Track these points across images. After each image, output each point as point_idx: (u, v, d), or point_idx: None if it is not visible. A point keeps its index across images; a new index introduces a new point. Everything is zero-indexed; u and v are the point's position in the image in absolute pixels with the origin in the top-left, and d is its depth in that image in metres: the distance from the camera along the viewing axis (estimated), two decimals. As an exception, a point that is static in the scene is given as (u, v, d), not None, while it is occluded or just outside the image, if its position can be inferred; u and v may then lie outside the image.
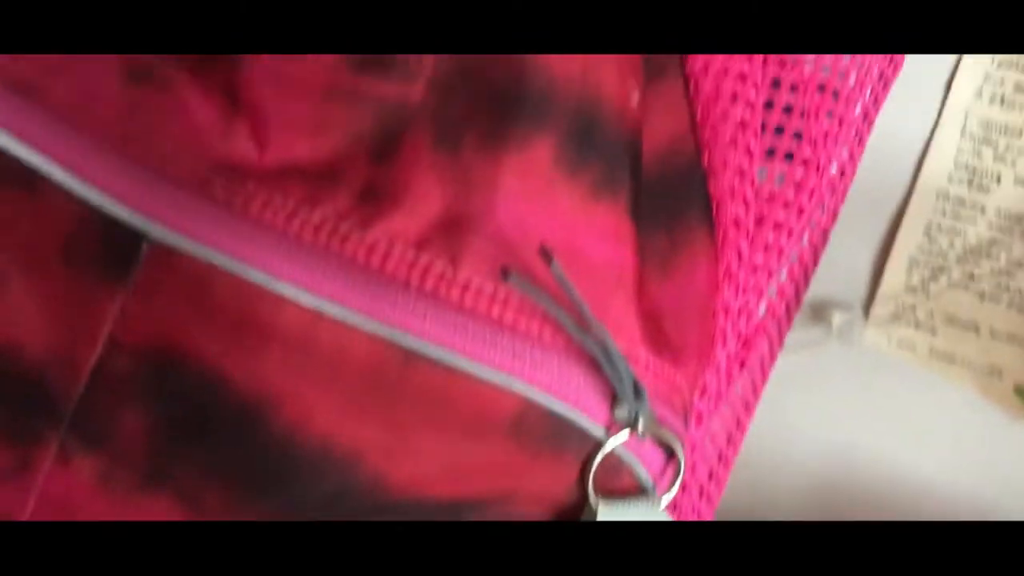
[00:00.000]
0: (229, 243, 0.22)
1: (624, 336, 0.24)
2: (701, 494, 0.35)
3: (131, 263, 0.23)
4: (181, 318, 0.23)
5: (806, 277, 0.35)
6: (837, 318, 0.44)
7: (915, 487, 0.46)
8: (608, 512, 0.24)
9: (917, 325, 0.42)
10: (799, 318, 0.45)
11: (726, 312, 0.27)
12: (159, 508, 0.24)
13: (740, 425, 0.36)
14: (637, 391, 0.23)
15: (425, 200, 0.23)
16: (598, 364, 0.23)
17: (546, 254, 0.21)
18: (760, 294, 0.29)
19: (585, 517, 0.24)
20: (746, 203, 0.27)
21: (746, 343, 0.29)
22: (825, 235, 0.34)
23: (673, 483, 0.25)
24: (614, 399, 0.24)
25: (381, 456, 0.23)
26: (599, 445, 0.23)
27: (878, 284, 0.43)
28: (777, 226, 0.29)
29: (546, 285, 0.23)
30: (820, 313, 0.45)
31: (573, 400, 0.23)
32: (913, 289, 0.42)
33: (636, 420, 0.23)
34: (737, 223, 0.27)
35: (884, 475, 0.46)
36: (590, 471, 0.23)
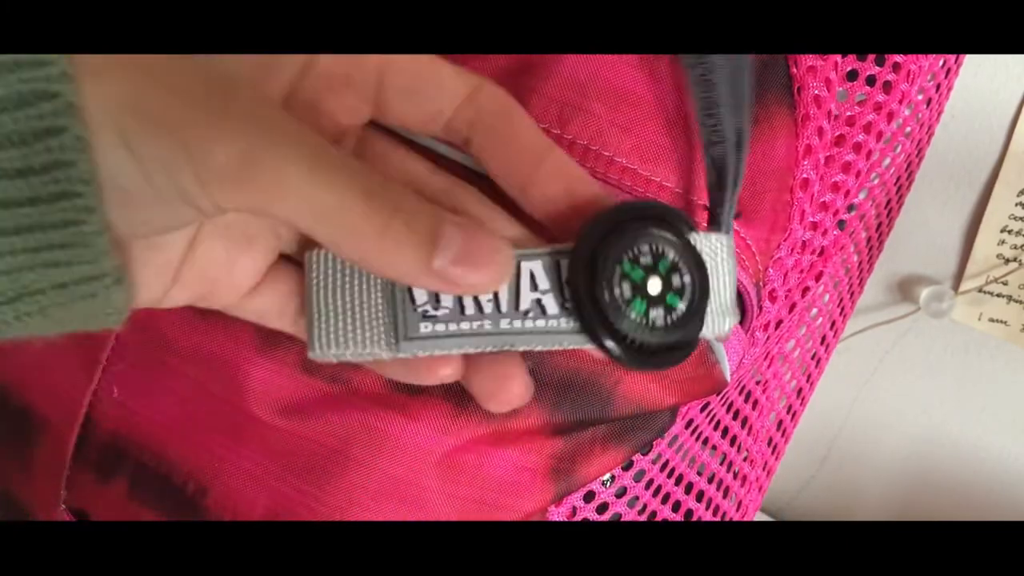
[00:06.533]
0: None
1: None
2: (769, 443, 0.34)
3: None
4: None
5: (879, 226, 0.35)
6: (925, 293, 0.43)
7: (1008, 473, 0.44)
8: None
9: (1009, 298, 0.41)
10: (886, 294, 0.44)
11: (804, 187, 0.27)
12: None
13: (810, 380, 0.35)
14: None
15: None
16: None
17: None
18: (838, 191, 0.29)
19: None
20: (827, 83, 0.27)
21: (823, 252, 0.29)
22: (910, 171, 0.34)
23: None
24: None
25: None
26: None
27: (968, 257, 0.42)
28: (856, 146, 0.29)
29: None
30: (907, 289, 0.44)
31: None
32: (1005, 260, 0.41)
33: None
34: (819, 102, 0.27)
35: (975, 460, 0.44)
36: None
